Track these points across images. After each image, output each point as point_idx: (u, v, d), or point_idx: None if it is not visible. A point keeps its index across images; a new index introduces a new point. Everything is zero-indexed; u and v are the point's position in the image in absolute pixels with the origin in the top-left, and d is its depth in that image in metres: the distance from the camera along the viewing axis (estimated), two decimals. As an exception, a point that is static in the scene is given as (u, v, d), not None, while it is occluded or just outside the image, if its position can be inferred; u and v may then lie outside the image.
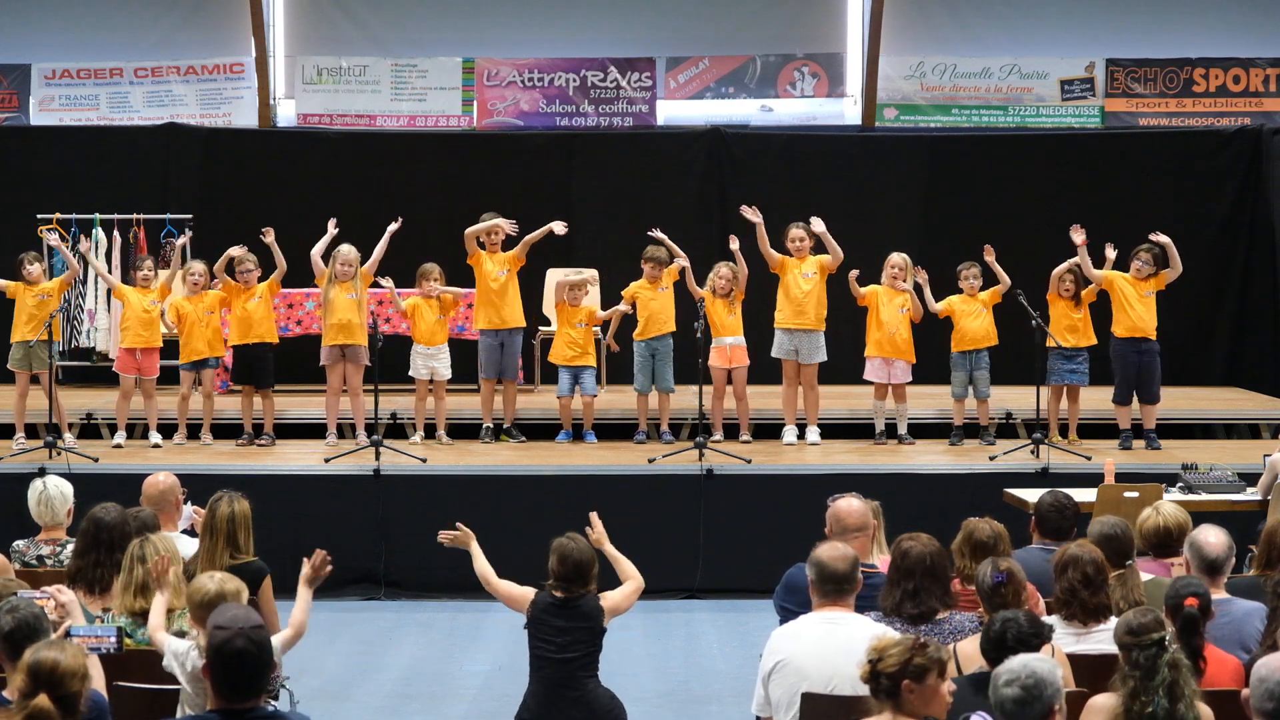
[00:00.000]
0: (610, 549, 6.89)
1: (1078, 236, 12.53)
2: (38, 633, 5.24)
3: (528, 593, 6.60)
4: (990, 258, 12.58)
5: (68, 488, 7.91)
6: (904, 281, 12.62)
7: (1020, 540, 7.59)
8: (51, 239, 13.08)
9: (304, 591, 6.34)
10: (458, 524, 6.98)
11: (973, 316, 12.67)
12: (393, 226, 12.69)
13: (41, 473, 11.12)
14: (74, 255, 13.50)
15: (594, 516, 6.98)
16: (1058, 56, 16.48)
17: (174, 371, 12.86)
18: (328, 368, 12.66)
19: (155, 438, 12.53)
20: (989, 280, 12.73)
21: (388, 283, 12.77)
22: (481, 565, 6.81)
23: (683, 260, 12.85)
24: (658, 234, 12.93)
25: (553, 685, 6.48)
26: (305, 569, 6.36)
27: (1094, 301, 12.71)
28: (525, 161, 15.96)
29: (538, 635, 6.52)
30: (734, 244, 12.74)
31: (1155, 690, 5.10)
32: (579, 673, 6.49)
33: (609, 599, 6.62)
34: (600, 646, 6.56)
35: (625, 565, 6.86)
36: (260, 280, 12.69)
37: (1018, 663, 4.78)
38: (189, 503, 8.25)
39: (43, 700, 4.58)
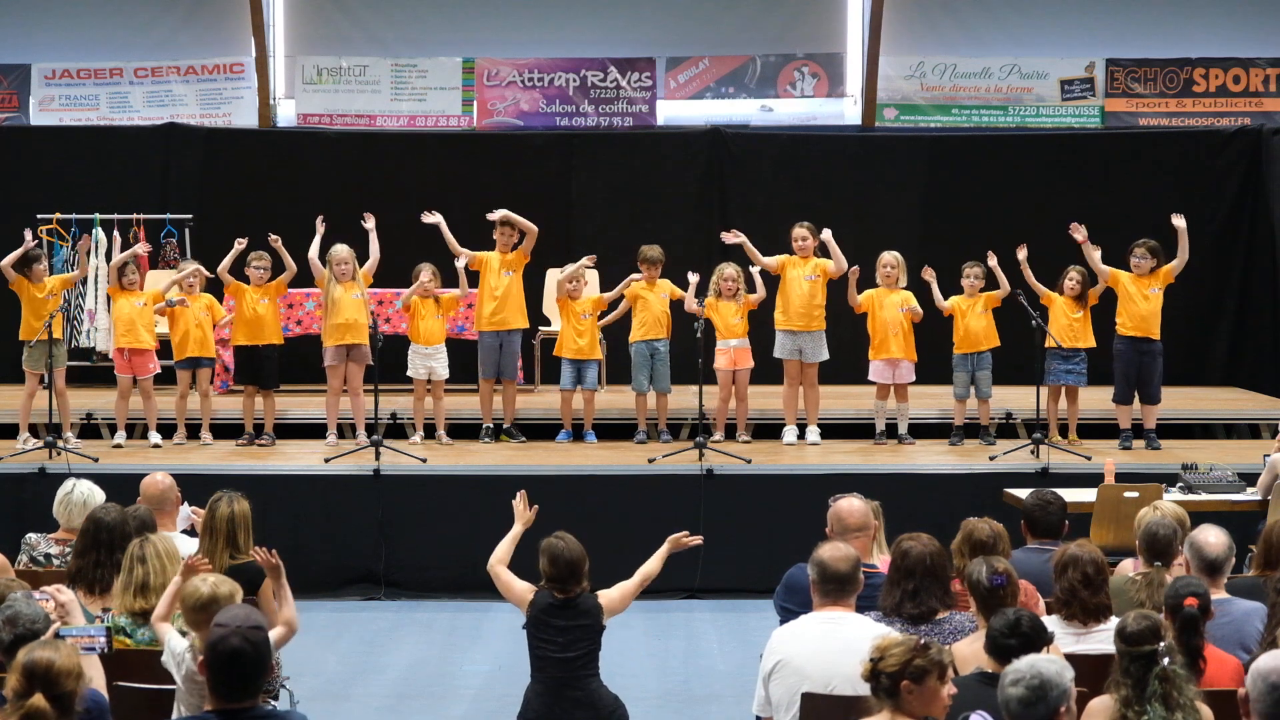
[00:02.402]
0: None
1: (1078, 234, 12.54)
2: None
3: (527, 591, 6.60)
4: (993, 262, 12.55)
5: (97, 496, 7.90)
6: (899, 281, 12.60)
7: (1019, 541, 7.60)
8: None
9: (281, 588, 6.35)
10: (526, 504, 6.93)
11: (974, 317, 12.66)
12: (368, 224, 12.74)
13: (41, 473, 11.22)
14: (75, 255, 13.48)
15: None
16: (1058, 56, 16.48)
17: (173, 371, 12.86)
18: (330, 368, 12.65)
19: (155, 438, 12.53)
20: (991, 283, 12.72)
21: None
22: (503, 549, 6.79)
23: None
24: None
25: (556, 685, 6.48)
26: (264, 566, 6.42)
27: (1096, 304, 12.69)
28: (525, 161, 15.96)
29: (539, 635, 6.52)
30: (754, 269, 12.71)
31: (1148, 700, 5.11)
32: (581, 671, 6.49)
33: (606, 597, 6.62)
34: (600, 644, 6.56)
35: (646, 568, 6.81)
36: (269, 280, 12.71)
37: (1025, 663, 4.79)
38: (186, 503, 8.26)
39: (38, 700, 4.58)
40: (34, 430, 12.59)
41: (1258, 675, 4.69)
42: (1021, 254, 12.58)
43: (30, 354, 12.26)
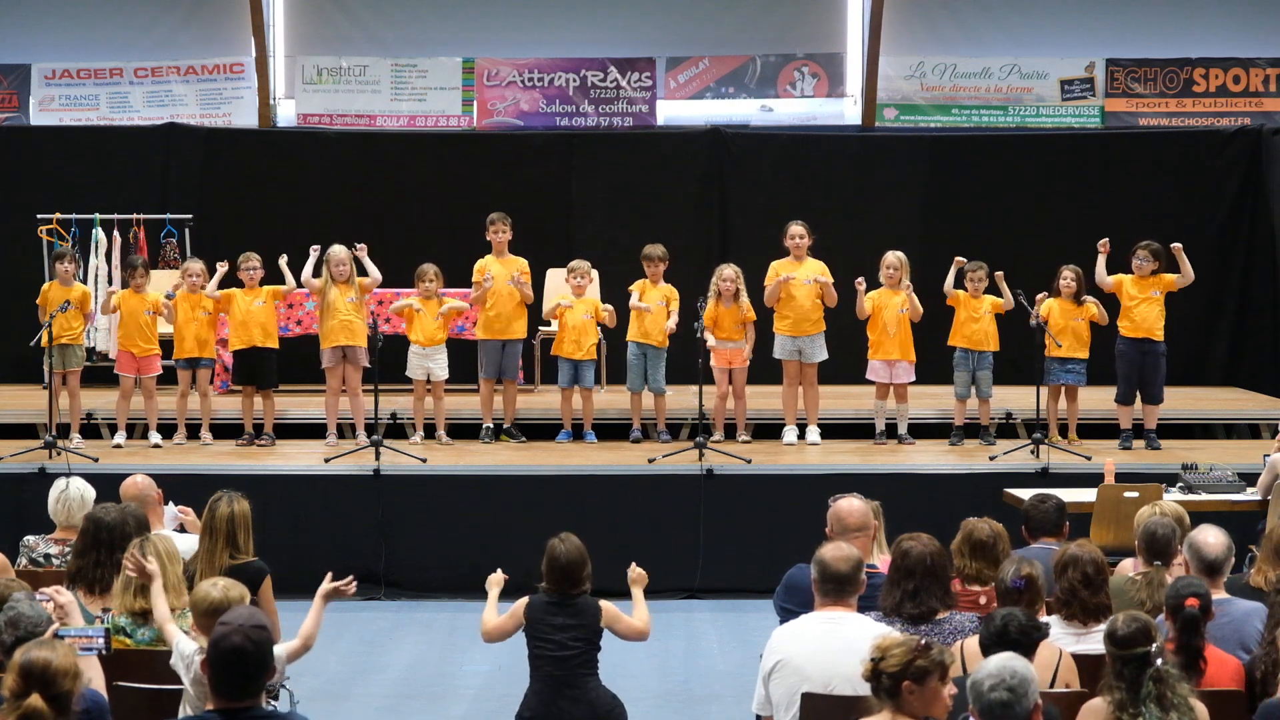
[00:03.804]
0: (638, 593, 6.82)
1: (1102, 248, 12.49)
2: None
3: (518, 607, 6.61)
4: (1000, 279, 12.44)
5: (90, 493, 7.90)
6: (901, 281, 12.57)
7: (1019, 541, 7.60)
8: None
9: (319, 604, 6.32)
10: (500, 572, 6.95)
11: (975, 318, 12.63)
12: (359, 251, 12.65)
13: (41, 473, 11.20)
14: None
15: (635, 571, 6.87)
16: (1058, 56, 16.48)
17: (174, 370, 12.86)
18: (328, 369, 12.65)
19: (155, 438, 12.52)
20: (994, 286, 12.70)
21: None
22: (488, 614, 6.77)
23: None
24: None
25: (554, 684, 6.48)
26: (327, 584, 6.36)
27: (1097, 321, 12.62)
28: (525, 161, 15.96)
29: (536, 635, 6.53)
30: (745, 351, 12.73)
31: (1143, 702, 5.11)
32: (579, 671, 6.49)
33: (612, 610, 6.61)
34: (599, 645, 6.57)
35: (641, 610, 6.78)
36: (263, 282, 12.70)
37: (996, 665, 4.73)
38: (169, 502, 8.26)
39: (35, 700, 4.57)
40: (33, 430, 12.58)
41: None
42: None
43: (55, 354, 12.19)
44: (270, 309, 12.71)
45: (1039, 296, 12.41)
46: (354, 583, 6.48)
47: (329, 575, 6.44)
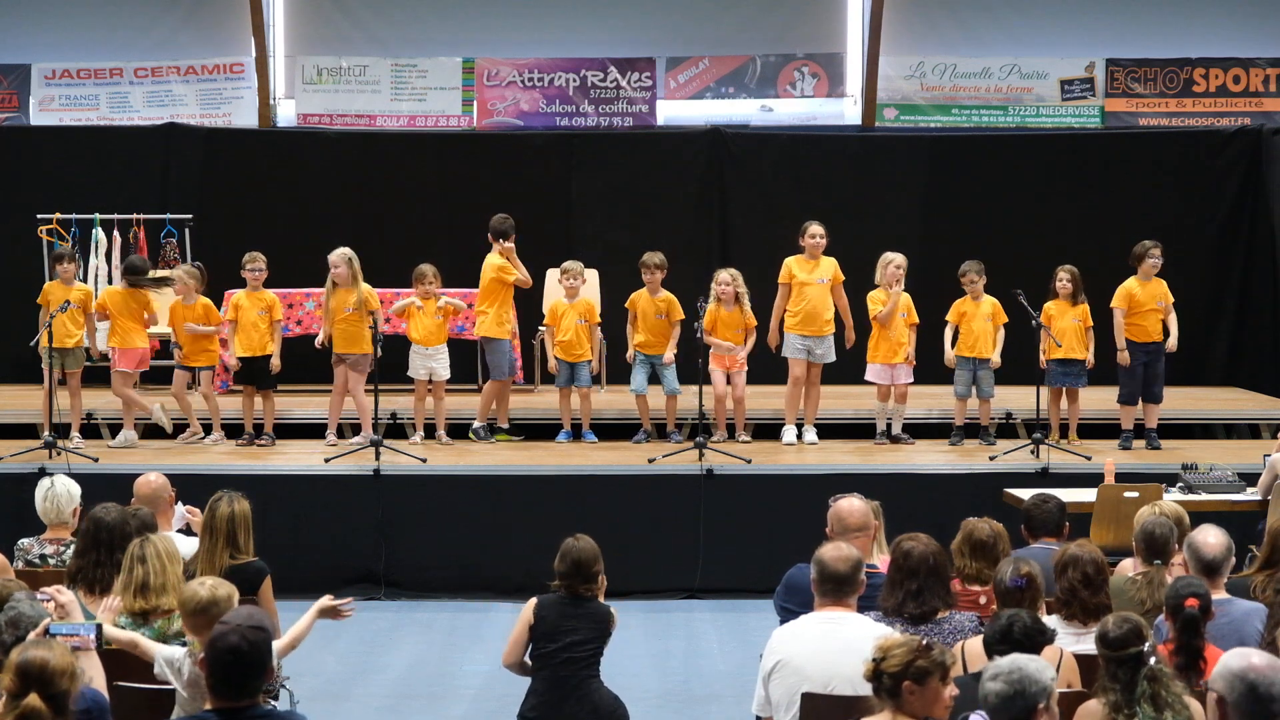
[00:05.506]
0: None
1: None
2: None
3: (526, 610, 6.62)
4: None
5: (75, 488, 7.92)
6: (899, 284, 12.53)
7: (1020, 541, 7.60)
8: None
9: (314, 613, 6.36)
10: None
11: (979, 319, 12.59)
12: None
13: (42, 473, 11.18)
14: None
15: None
16: (1058, 56, 16.48)
17: (169, 371, 12.85)
18: (333, 365, 12.64)
19: (158, 417, 12.45)
20: (992, 288, 12.68)
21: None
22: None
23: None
24: None
25: (559, 685, 6.49)
26: (326, 601, 6.38)
27: (1093, 325, 12.63)
28: (525, 161, 15.96)
29: (546, 635, 6.52)
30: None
31: (1137, 702, 5.11)
32: (583, 672, 6.50)
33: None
34: (602, 650, 6.58)
35: None
36: (268, 283, 12.70)
37: (1007, 660, 4.79)
38: (179, 502, 8.26)
39: (33, 700, 4.57)
40: (34, 430, 12.57)
41: (1234, 677, 4.58)
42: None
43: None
44: (270, 320, 12.64)
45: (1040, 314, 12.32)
46: (353, 606, 6.49)
47: (328, 597, 6.47)
